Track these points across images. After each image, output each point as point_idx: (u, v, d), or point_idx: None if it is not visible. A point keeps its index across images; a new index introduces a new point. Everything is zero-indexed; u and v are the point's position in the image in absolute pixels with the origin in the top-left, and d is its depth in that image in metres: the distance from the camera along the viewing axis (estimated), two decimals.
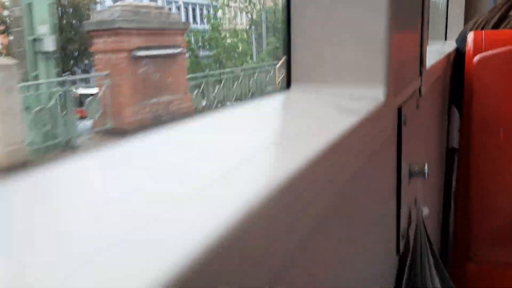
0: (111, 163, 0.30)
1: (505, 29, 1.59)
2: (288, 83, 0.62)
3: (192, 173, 0.28)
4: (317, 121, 0.47)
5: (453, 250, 1.60)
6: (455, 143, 1.80)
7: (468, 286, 1.54)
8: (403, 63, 0.70)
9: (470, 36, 1.51)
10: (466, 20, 2.14)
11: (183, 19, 19.01)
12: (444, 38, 2.15)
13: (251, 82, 10.95)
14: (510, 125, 1.46)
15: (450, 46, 1.74)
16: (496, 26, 1.62)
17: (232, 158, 0.32)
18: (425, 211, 0.82)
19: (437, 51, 1.43)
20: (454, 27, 2.13)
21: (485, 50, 1.47)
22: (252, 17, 19.83)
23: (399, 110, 0.69)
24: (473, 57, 1.48)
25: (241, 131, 0.43)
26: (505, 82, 1.46)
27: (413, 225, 0.82)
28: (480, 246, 1.53)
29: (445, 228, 1.70)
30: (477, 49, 1.49)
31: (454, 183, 1.70)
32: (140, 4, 10.26)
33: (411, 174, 0.79)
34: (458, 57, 1.67)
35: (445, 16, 2.13)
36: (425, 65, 0.91)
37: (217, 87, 10.03)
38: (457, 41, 1.75)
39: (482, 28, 1.64)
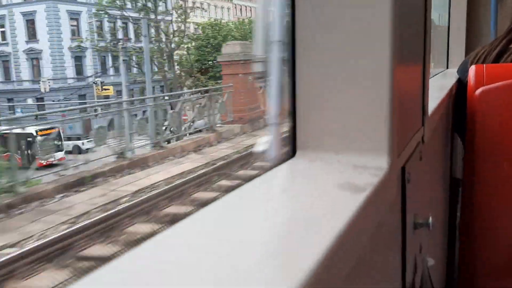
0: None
1: (505, 63, 1.60)
2: (293, 151, 0.63)
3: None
4: (327, 201, 0.49)
5: (459, 282, 1.60)
6: (458, 173, 1.81)
7: None
8: (405, 119, 0.71)
9: (472, 70, 1.53)
10: (468, 48, 2.16)
11: None
12: (446, 66, 2.17)
13: None
14: None
15: (451, 76, 1.76)
16: (497, 58, 1.63)
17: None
18: (430, 262, 0.82)
19: (439, 86, 1.45)
20: (455, 55, 2.15)
21: (486, 83, 1.49)
22: None
23: (403, 170, 0.70)
24: (475, 90, 1.50)
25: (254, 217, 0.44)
26: (507, 114, 1.48)
27: (419, 274, 0.83)
28: (485, 278, 1.53)
29: (451, 260, 1.70)
30: (478, 82, 1.51)
31: (458, 213, 1.70)
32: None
33: (416, 226, 0.80)
34: (459, 87, 1.69)
35: (446, 44, 2.16)
36: (427, 113, 0.92)
37: None
38: (458, 71, 1.77)
39: (484, 60, 1.66)
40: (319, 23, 0.59)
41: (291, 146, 0.64)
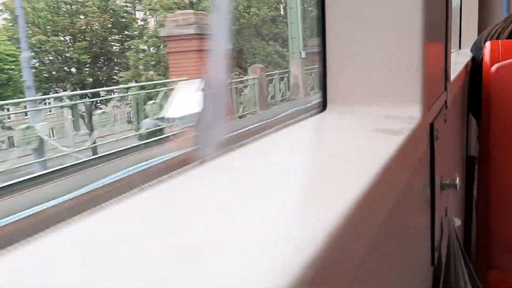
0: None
1: None
2: (324, 105, 0.63)
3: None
4: (362, 146, 0.49)
5: (476, 258, 1.61)
6: (473, 151, 1.81)
7: None
8: (433, 78, 0.71)
9: (487, 46, 1.53)
10: (480, 29, 2.15)
11: None
12: (458, 47, 2.17)
13: None
14: None
15: (465, 55, 1.75)
16: (511, 35, 1.63)
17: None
18: (457, 222, 0.83)
19: (454, 62, 1.45)
20: (467, 35, 2.14)
21: (502, 59, 1.49)
22: None
23: (431, 126, 0.70)
24: (490, 67, 1.49)
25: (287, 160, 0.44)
26: None
27: (445, 236, 0.83)
28: (502, 253, 1.53)
29: (467, 237, 1.70)
30: (494, 59, 1.50)
31: (475, 191, 1.70)
32: None
33: (442, 187, 0.80)
34: (473, 66, 1.69)
35: (458, 25, 2.15)
36: (450, 78, 0.93)
37: None
38: (472, 50, 1.77)
39: (498, 37, 1.66)
40: None
41: (322, 100, 0.64)
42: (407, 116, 0.58)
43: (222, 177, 0.37)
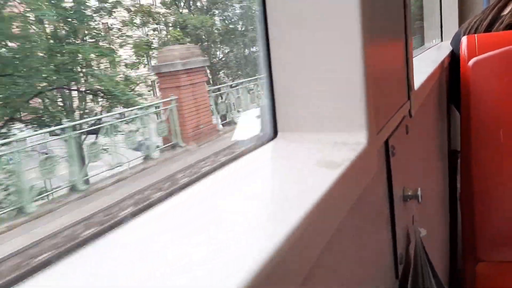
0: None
1: (496, 32, 1.60)
2: (275, 132, 0.64)
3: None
4: (305, 178, 0.50)
5: (462, 252, 1.62)
6: (457, 144, 1.81)
7: (479, 286, 1.56)
8: (386, 95, 0.72)
9: (464, 41, 1.53)
10: (461, 19, 2.15)
11: None
12: (440, 39, 2.16)
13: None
14: (509, 126, 1.47)
15: (445, 49, 1.75)
16: (489, 27, 1.63)
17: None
18: (423, 232, 0.84)
19: (431, 60, 1.45)
20: (449, 27, 2.13)
21: (479, 53, 1.49)
22: None
23: (386, 143, 0.71)
24: (467, 61, 1.50)
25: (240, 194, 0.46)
26: (501, 83, 1.48)
27: (412, 246, 0.84)
28: (488, 246, 1.54)
29: (453, 231, 1.71)
30: (471, 53, 1.51)
31: (458, 185, 1.71)
32: None
33: (405, 198, 0.81)
34: (453, 59, 1.69)
35: (439, 17, 2.14)
36: (413, 86, 0.93)
37: None
38: (451, 43, 1.77)
39: (476, 30, 1.65)
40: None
41: (272, 128, 0.65)
42: (353, 142, 0.59)
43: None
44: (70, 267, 0.31)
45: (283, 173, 0.54)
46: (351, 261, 0.59)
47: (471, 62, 1.48)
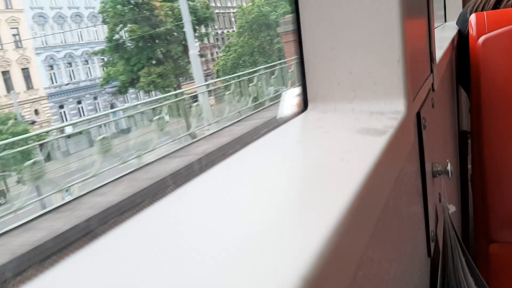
0: None
1: (506, 8, 1.57)
2: (305, 104, 0.61)
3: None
4: (347, 147, 0.46)
5: (475, 233, 1.60)
6: (465, 125, 1.79)
7: (492, 266, 1.54)
8: (416, 63, 0.69)
9: (472, 18, 1.50)
10: (465, 1, 2.12)
11: None
12: (444, 20, 2.13)
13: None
14: None
15: (451, 28, 1.73)
16: (497, 4, 1.60)
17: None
18: (451, 208, 0.81)
19: (440, 38, 1.42)
20: (452, 7, 2.11)
21: (488, 31, 1.46)
22: None
23: (418, 115, 0.68)
24: (477, 39, 1.47)
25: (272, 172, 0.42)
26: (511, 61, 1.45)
27: (440, 224, 0.82)
28: (500, 227, 1.52)
29: (465, 212, 1.69)
30: (480, 31, 1.48)
31: (469, 166, 1.69)
32: None
33: (434, 174, 0.78)
34: (460, 38, 1.66)
35: None
36: (435, 60, 0.90)
37: None
38: (457, 22, 1.74)
39: (482, 9, 1.63)
40: None
41: (302, 100, 0.61)
42: (391, 110, 0.56)
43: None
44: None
45: (320, 144, 0.50)
46: (392, 238, 0.56)
47: (481, 40, 1.45)
